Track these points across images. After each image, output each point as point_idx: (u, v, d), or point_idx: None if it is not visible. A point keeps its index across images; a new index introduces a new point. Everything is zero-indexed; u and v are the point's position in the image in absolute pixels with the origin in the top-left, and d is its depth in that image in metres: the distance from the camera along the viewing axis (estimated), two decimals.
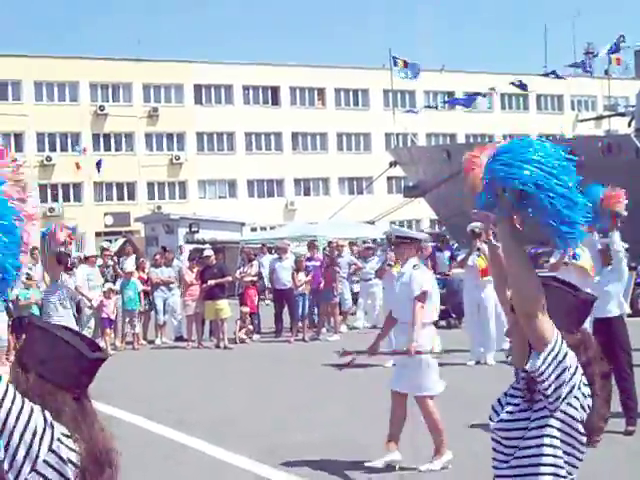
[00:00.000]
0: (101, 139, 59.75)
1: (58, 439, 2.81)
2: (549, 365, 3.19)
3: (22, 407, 2.76)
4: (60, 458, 2.81)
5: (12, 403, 2.74)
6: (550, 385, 3.21)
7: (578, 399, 3.27)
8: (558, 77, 40.15)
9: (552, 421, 3.27)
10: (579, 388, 3.26)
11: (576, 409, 3.28)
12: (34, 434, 2.76)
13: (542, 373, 3.20)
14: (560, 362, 3.20)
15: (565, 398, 3.23)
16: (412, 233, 10.31)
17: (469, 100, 44.86)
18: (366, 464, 8.94)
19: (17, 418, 2.74)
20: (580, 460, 3.36)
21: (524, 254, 3.25)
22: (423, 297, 9.11)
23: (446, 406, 9.65)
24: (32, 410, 2.78)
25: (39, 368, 2.93)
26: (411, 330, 8.99)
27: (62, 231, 12.78)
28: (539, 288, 3.21)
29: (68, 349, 2.94)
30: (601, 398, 3.38)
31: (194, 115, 61.38)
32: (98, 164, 53.73)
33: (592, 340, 3.48)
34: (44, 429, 2.78)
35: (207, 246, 26.67)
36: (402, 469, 8.92)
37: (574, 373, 3.23)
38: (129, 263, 21.81)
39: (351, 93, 67.50)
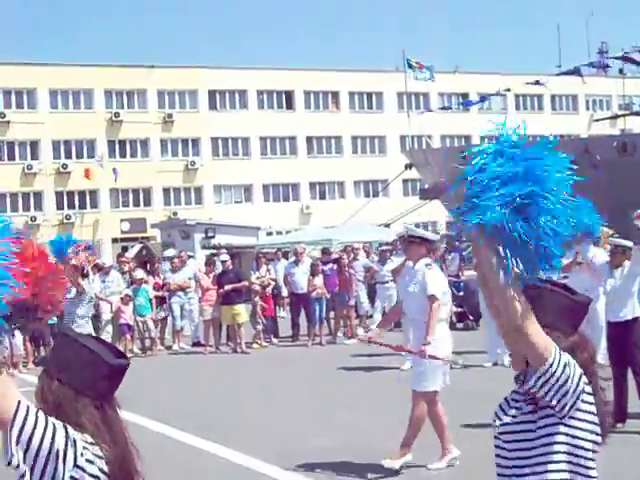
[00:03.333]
0: (116, 146, 59.93)
1: (82, 454, 2.83)
2: (547, 381, 3.17)
3: (45, 428, 2.77)
4: (86, 471, 2.83)
5: (35, 426, 2.76)
6: (553, 397, 3.20)
7: (587, 402, 3.27)
8: (578, 74, 39.72)
9: (561, 428, 3.26)
10: (585, 391, 3.25)
11: (586, 412, 3.27)
12: (57, 454, 2.77)
13: (541, 387, 3.20)
14: (561, 374, 3.18)
15: (572, 406, 3.23)
16: (424, 233, 10.23)
17: (483, 100, 44.66)
18: (429, 466, 8.98)
19: (41, 440, 2.76)
20: (594, 459, 3.36)
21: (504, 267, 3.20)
22: (438, 296, 9.11)
23: (464, 407, 9.64)
24: (55, 429, 2.79)
25: (61, 374, 2.96)
26: (425, 330, 8.99)
27: (82, 252, 12.74)
28: (525, 302, 3.17)
29: (90, 355, 2.96)
30: (600, 397, 3.37)
31: (209, 120, 61.49)
32: (115, 172, 54.01)
33: (588, 342, 3.45)
34: (67, 446, 2.80)
35: (223, 251, 26.69)
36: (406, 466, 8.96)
37: (579, 380, 3.22)
38: (139, 272, 21.79)
39: (365, 96, 67.46)
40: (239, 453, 10.08)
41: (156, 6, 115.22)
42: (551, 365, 3.16)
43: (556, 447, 3.27)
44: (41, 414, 2.80)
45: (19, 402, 2.77)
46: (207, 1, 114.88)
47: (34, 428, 2.75)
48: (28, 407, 2.79)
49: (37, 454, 2.74)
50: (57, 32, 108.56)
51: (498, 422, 3.42)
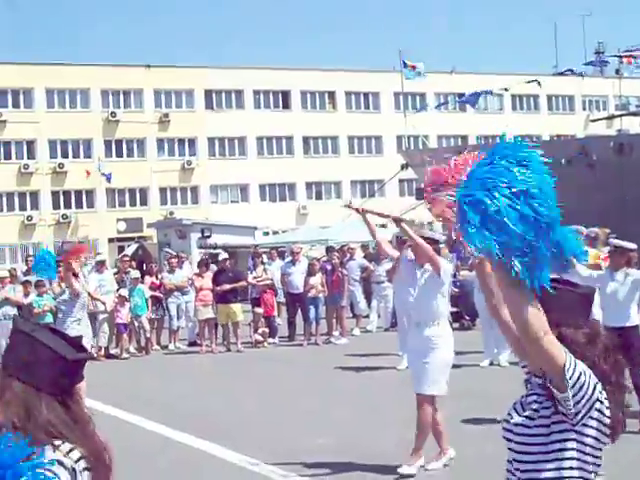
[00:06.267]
0: (113, 145, 59.86)
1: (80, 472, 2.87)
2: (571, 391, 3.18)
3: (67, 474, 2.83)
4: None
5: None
6: (567, 406, 3.21)
7: (599, 411, 3.26)
8: (573, 73, 39.74)
9: (573, 434, 3.27)
10: (599, 400, 3.24)
11: (598, 421, 3.27)
12: None
13: (577, 403, 3.20)
14: (575, 382, 3.16)
15: (586, 414, 3.22)
16: (432, 234, 10.04)
17: (475, 97, 44.47)
18: (427, 467, 8.91)
19: None
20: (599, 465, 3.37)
21: (517, 281, 3.13)
22: (436, 260, 9.10)
23: (460, 407, 9.65)
24: (63, 470, 2.84)
25: (19, 373, 2.94)
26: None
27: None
28: (539, 313, 3.16)
29: (45, 351, 2.95)
30: (617, 390, 3.36)
31: (205, 120, 61.44)
32: (108, 177, 54.12)
33: (600, 331, 3.43)
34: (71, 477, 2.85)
35: (219, 250, 26.69)
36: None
37: (593, 390, 3.20)
38: (135, 271, 21.81)
39: (362, 96, 67.42)
40: (234, 452, 10.08)
41: (153, 6, 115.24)
42: (567, 372, 3.15)
43: (568, 453, 3.28)
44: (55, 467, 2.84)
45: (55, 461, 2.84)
46: (204, 1, 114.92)
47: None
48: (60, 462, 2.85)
49: None
50: (53, 32, 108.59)
51: (512, 421, 3.42)
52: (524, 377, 3.52)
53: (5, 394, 2.92)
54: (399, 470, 8.81)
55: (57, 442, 2.86)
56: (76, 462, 2.87)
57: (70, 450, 2.88)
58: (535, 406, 3.36)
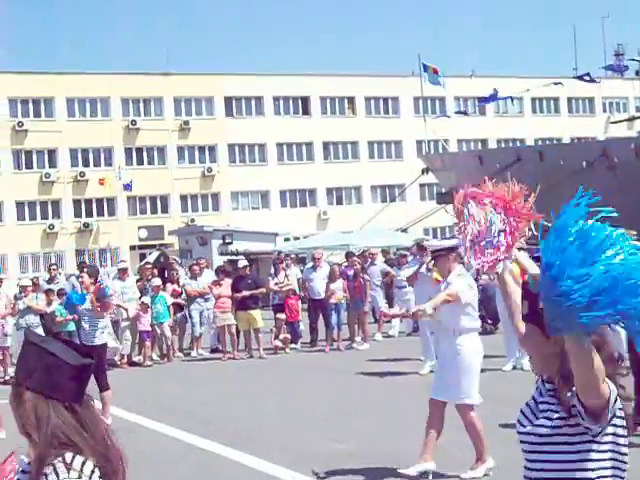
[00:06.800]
0: (133, 153, 60.13)
1: None
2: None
3: None
4: None
5: None
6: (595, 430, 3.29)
7: (616, 425, 3.33)
8: (592, 81, 39.70)
9: (594, 446, 3.33)
10: (616, 415, 3.31)
11: (615, 435, 3.32)
12: None
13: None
14: (613, 413, 3.28)
15: (606, 426, 3.30)
16: (445, 243, 10.01)
17: (495, 98, 44.37)
18: (399, 470, 8.90)
19: None
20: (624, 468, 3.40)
21: (592, 353, 3.16)
22: (452, 296, 9.00)
23: (483, 412, 9.59)
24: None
25: (26, 381, 3.03)
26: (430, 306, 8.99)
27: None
28: (604, 378, 3.19)
29: (51, 359, 3.02)
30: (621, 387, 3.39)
31: (225, 127, 61.61)
32: (128, 187, 54.34)
33: (606, 342, 3.44)
34: None
35: (240, 257, 26.71)
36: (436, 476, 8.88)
37: (613, 404, 3.27)
38: (156, 279, 21.86)
39: (381, 101, 67.42)
40: (257, 458, 10.08)
41: (172, 13, 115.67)
42: (609, 409, 3.25)
43: (589, 464, 3.33)
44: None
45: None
46: (222, 8, 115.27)
47: None
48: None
49: None
50: (73, 41, 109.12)
51: (525, 430, 3.42)
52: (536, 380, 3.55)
53: (17, 403, 3.00)
54: (463, 476, 8.77)
55: (68, 456, 2.91)
56: (91, 474, 2.91)
57: (83, 463, 2.92)
58: (548, 414, 3.37)
